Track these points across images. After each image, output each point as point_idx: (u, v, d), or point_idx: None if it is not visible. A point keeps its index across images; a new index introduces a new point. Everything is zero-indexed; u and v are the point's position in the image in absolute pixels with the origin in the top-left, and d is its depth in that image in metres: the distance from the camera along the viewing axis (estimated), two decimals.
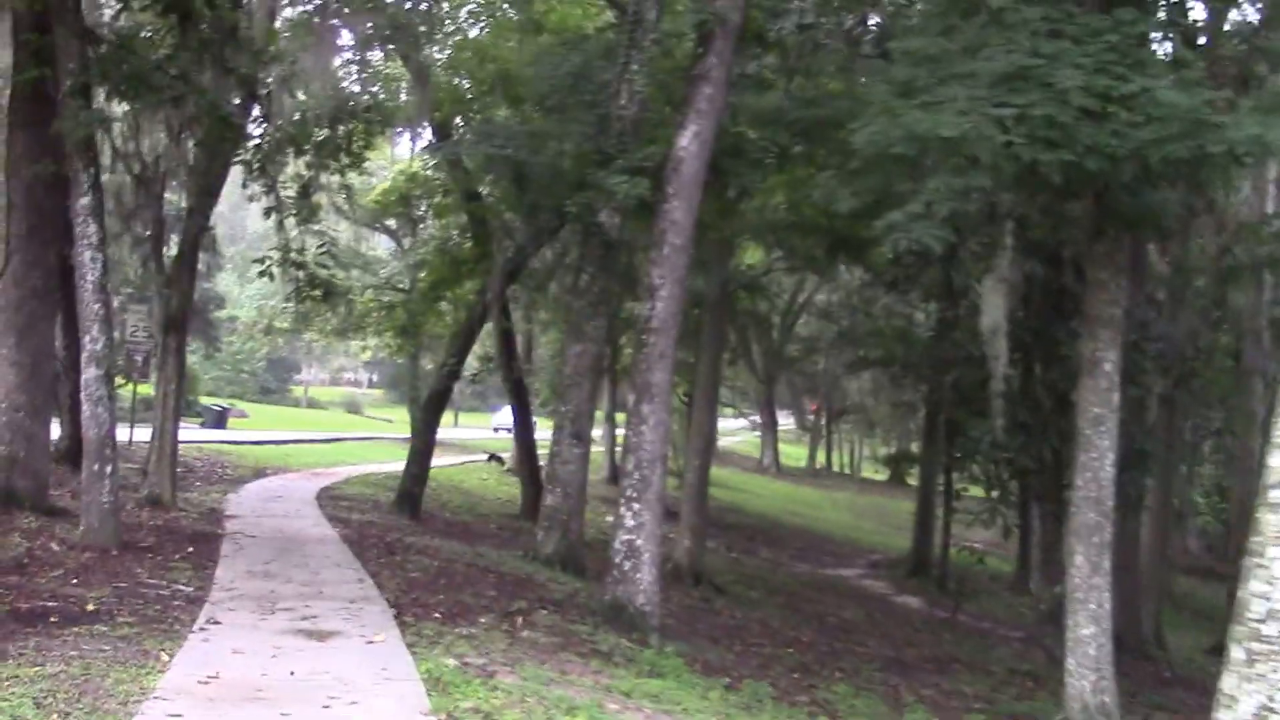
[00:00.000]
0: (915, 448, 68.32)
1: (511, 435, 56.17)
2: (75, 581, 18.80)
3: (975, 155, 17.63)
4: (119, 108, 29.06)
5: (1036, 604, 32.83)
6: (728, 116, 26.46)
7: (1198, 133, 16.65)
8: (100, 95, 25.10)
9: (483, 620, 18.79)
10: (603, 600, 22.22)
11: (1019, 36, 17.74)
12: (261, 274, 33.18)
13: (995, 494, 33.85)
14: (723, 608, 31.29)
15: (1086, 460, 20.27)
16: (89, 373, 22.47)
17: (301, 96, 33.43)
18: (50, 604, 16.77)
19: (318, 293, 33.40)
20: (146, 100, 25.10)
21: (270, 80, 29.02)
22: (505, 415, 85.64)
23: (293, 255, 31.90)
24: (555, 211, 30.44)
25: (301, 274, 32.36)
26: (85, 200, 22.50)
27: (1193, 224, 34.04)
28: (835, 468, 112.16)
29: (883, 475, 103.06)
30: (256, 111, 31.31)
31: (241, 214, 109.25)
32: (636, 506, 22.01)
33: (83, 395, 22.83)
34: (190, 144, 30.54)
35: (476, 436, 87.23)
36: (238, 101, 29.84)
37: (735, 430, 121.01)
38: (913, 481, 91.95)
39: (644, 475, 22.08)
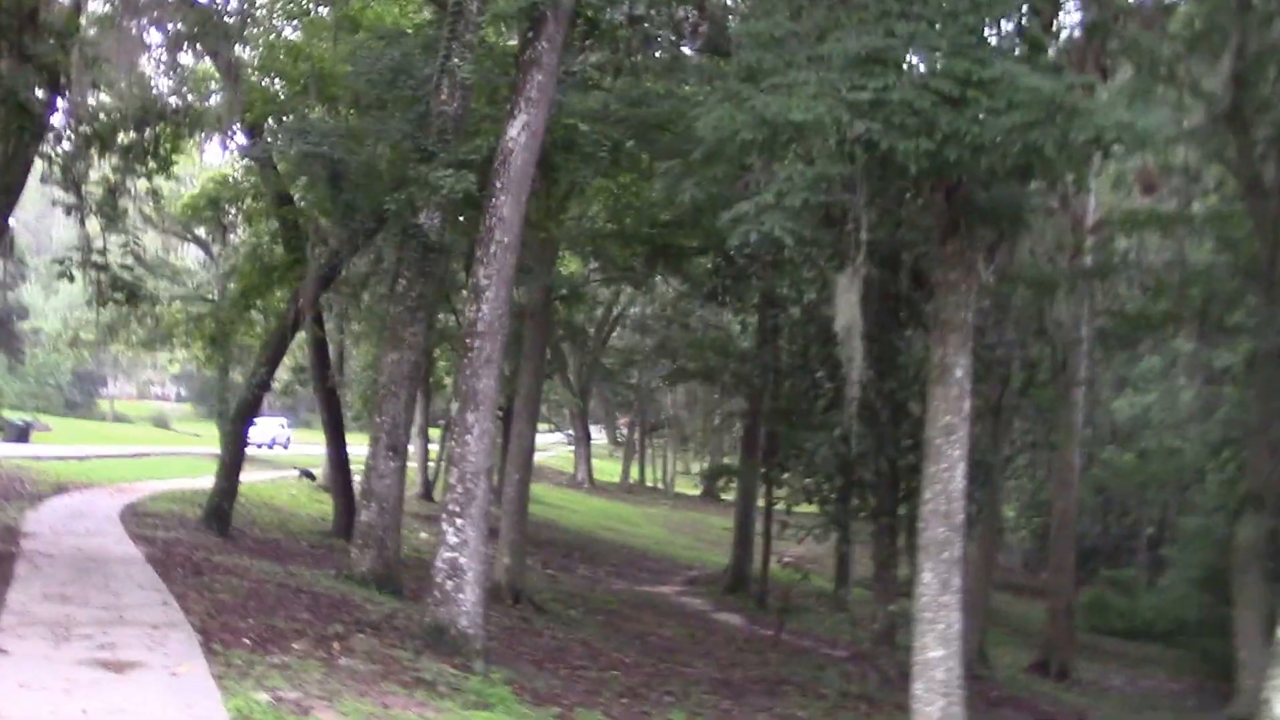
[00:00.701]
0: (731, 461, 67.91)
1: (265, 447, 54.82)
2: None
3: (828, 141, 16.71)
4: None
5: (869, 623, 31.96)
6: (556, 111, 25.35)
7: (1063, 120, 15.86)
8: None
9: (296, 646, 17.59)
10: (424, 622, 21.10)
11: (870, 18, 16.88)
12: (60, 275, 31.59)
13: (827, 508, 33.09)
14: (543, 628, 30.26)
15: (936, 472, 19.43)
16: None
17: (106, 98, 31.97)
18: None
19: (120, 296, 31.86)
20: None
21: (73, 71, 27.31)
22: (267, 428, 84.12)
23: (94, 257, 30.35)
24: (372, 213, 29.34)
25: (104, 276, 30.82)
26: None
27: (1044, 222, 33.44)
28: (649, 483, 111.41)
29: (697, 490, 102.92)
30: (60, 105, 29.58)
31: (48, 222, 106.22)
32: (460, 522, 20.84)
33: None
34: None
35: (289, 452, 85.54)
36: (39, 94, 28.18)
37: (547, 445, 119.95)
38: (728, 496, 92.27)
39: (468, 489, 20.93)
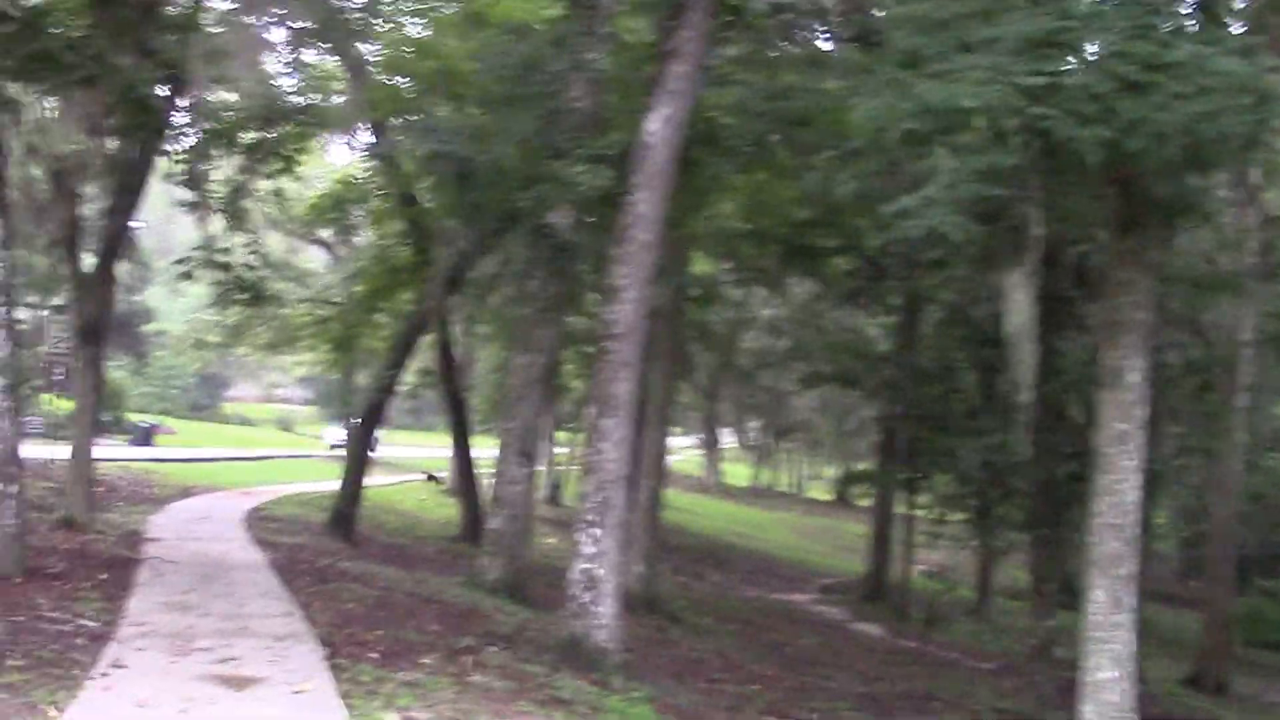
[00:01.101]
0: (868, 467, 66.69)
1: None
2: None
3: (997, 131, 15.58)
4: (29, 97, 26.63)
5: (1023, 636, 30.75)
6: (696, 104, 24.26)
7: (1258, 106, 14.66)
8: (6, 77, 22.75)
9: (426, 661, 16.70)
10: (558, 635, 20.21)
11: None
12: (183, 276, 31.01)
13: (972, 516, 31.91)
14: (679, 638, 29.29)
15: (1109, 483, 18.29)
16: None
17: (229, 96, 31.40)
18: None
19: (245, 296, 31.27)
20: (54, 82, 22.75)
21: (194, 66, 26.61)
22: (342, 431, 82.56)
23: (217, 257, 29.75)
24: (501, 212, 28.39)
25: (227, 276, 30.22)
26: None
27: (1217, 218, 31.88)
28: (779, 487, 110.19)
29: (828, 495, 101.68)
30: (181, 103, 29.01)
31: (173, 226, 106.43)
32: (597, 532, 19.89)
33: None
34: (108, 137, 28.14)
35: (412, 455, 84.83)
36: (164, 93, 27.55)
37: (674, 448, 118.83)
38: (861, 502, 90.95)
39: (605, 497, 19.97)
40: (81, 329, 28.46)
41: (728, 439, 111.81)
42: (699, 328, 55.65)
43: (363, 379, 62.14)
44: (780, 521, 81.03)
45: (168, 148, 28.57)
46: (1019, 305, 18.95)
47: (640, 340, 20.60)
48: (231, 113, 31.05)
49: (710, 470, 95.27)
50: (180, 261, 31.00)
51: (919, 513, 43.05)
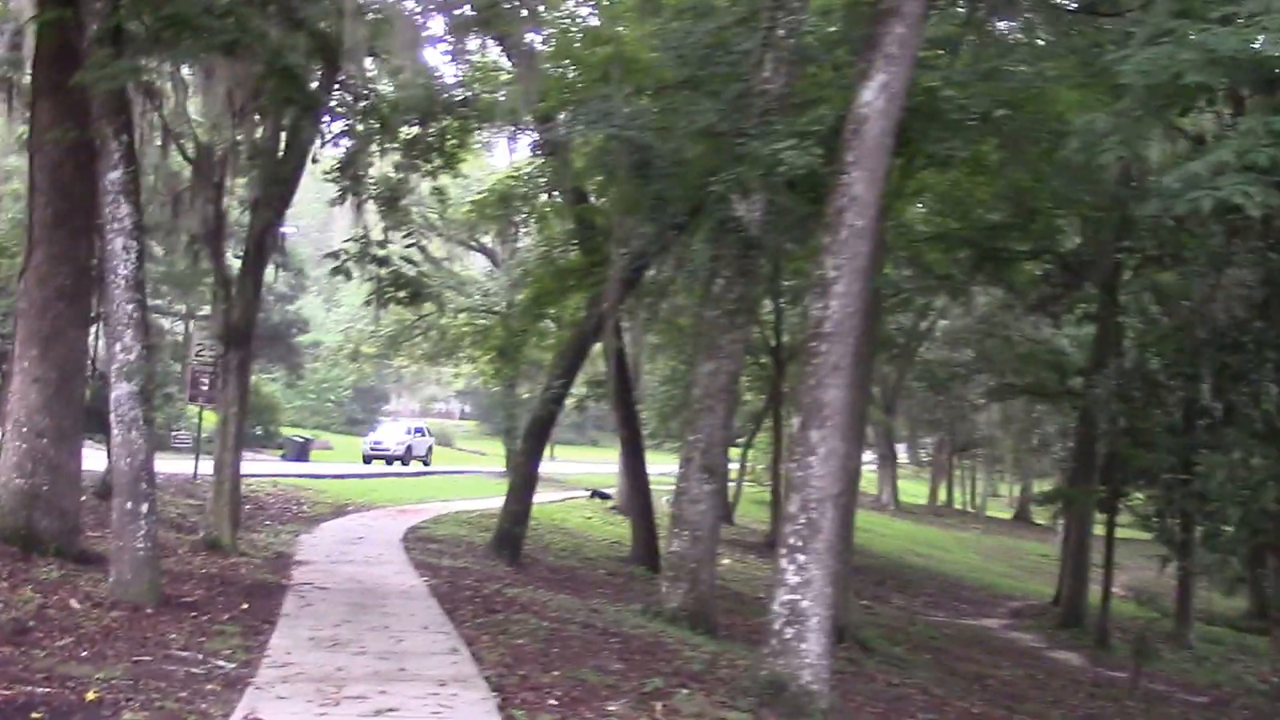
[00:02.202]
0: (1058, 484, 64.13)
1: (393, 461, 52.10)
2: (85, 653, 14.60)
3: None
4: (166, 68, 24.41)
5: (1267, 672, 27.92)
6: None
7: None
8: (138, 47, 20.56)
9: (613, 708, 14.41)
10: (758, 675, 17.64)
11: None
12: (336, 272, 28.93)
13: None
14: (874, 669, 26.81)
15: None
16: (119, 389, 18.24)
17: (387, 86, 29.39)
18: (41, 688, 12.60)
19: (404, 294, 29.17)
20: (191, 49, 20.50)
21: (350, 40, 24.32)
22: (396, 434, 79.41)
23: (374, 250, 27.63)
24: (685, 205, 26.11)
25: (385, 272, 28.10)
26: (115, 175, 18.29)
27: None
28: (957, 505, 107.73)
29: (1006, 514, 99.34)
30: (336, 85, 26.85)
31: (329, 234, 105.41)
32: (802, 559, 17.38)
33: (113, 417, 18.39)
34: (255, 117, 25.94)
35: (576, 470, 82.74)
36: (315, 70, 25.42)
37: None
38: (1042, 521, 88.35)
39: (811, 519, 17.45)
40: (225, 334, 26.37)
41: (903, 455, 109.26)
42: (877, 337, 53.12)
43: (525, 391, 60.66)
44: (960, 541, 78.57)
45: (322, 132, 26.39)
46: None
47: (853, 341, 18.08)
48: (388, 104, 28.97)
49: (886, 487, 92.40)
50: (333, 255, 28.93)
51: (1120, 533, 40.43)
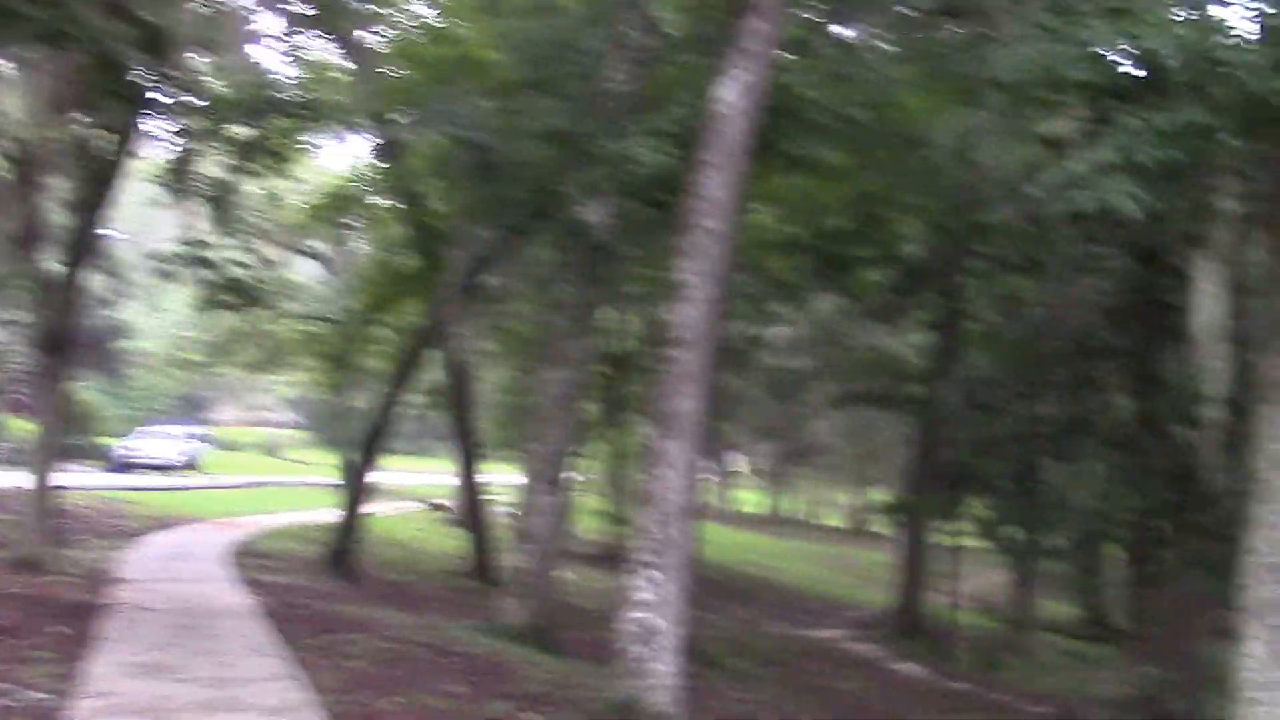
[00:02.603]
0: (885, 493, 64.41)
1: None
2: None
3: (1198, 82, 12.42)
4: None
5: (1118, 685, 27.69)
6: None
7: None
8: None
9: None
10: (607, 697, 17.03)
11: None
12: (162, 275, 27.76)
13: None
14: (722, 685, 26.09)
15: (1268, 515, 15.08)
16: None
17: (218, 83, 28.26)
18: None
19: (234, 299, 28.02)
20: (9, 38, 19.36)
21: (178, 33, 23.19)
22: (164, 444, 74.99)
23: (203, 251, 26.49)
24: (529, 208, 25.30)
25: (215, 275, 26.96)
26: None
27: None
28: (794, 514, 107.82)
29: (842, 522, 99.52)
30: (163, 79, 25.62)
31: (152, 238, 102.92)
32: (655, 575, 16.69)
33: None
34: (76, 113, 24.62)
35: (409, 482, 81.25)
36: (141, 64, 24.21)
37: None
38: (878, 529, 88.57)
39: (666, 534, 16.78)
40: (42, 341, 24.87)
41: (738, 463, 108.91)
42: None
43: (358, 400, 59.41)
44: (797, 551, 78.34)
45: (147, 129, 25.23)
46: (1210, 299, 15.76)
47: (709, 349, 17.37)
48: (219, 100, 27.87)
49: (722, 496, 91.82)
50: (159, 259, 27.70)
51: (962, 542, 40.56)
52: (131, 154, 26.04)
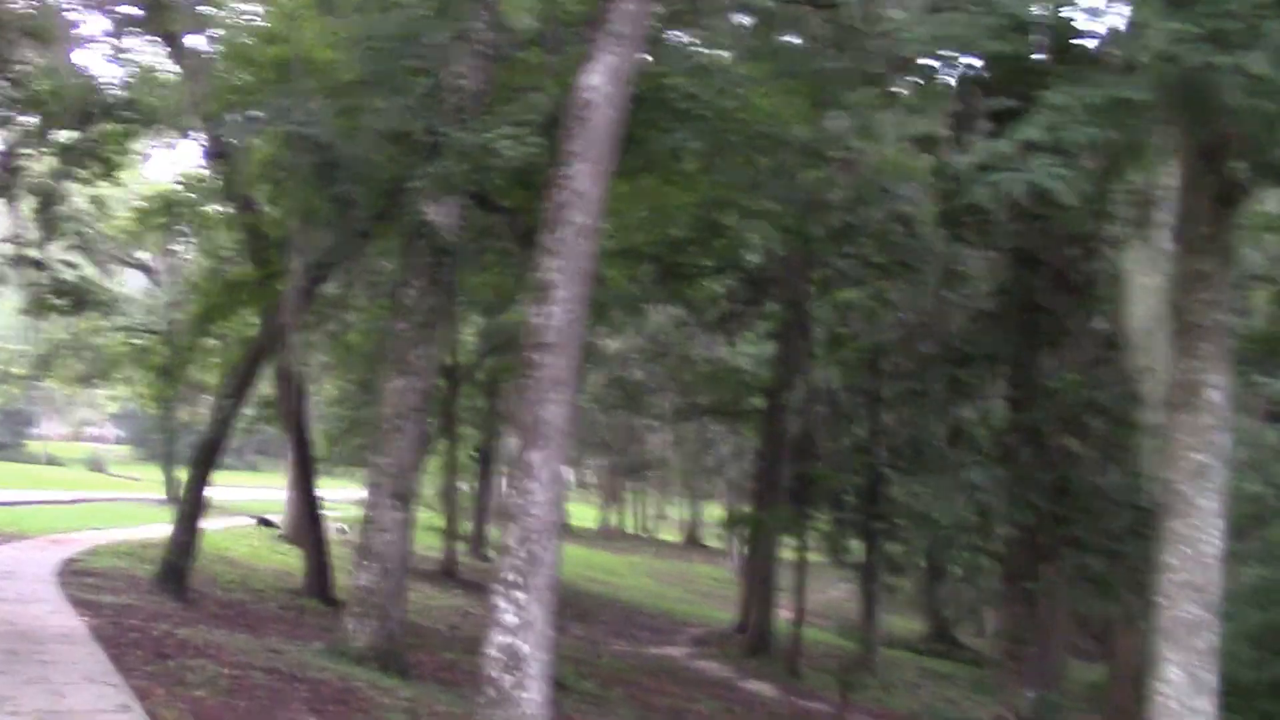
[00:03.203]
0: (718, 507, 64.00)
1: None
2: None
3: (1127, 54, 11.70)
4: None
5: (1007, 709, 26.88)
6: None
7: None
8: None
9: None
10: None
11: None
12: None
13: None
14: (573, 709, 25.11)
15: (1183, 529, 14.35)
16: None
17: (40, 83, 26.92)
18: None
19: (65, 303, 26.62)
20: None
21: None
22: None
23: (30, 252, 25.10)
24: (370, 210, 24.15)
25: (43, 277, 25.57)
26: None
27: None
28: (627, 529, 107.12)
29: (676, 537, 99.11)
30: None
31: None
32: (521, 597, 15.69)
33: None
34: None
35: (237, 497, 79.42)
36: None
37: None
38: (712, 544, 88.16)
39: (532, 552, 15.78)
40: None
41: (569, 477, 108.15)
42: None
43: (186, 414, 57.81)
44: (632, 566, 77.83)
45: None
46: (1146, 295, 15.00)
47: (576, 352, 16.40)
48: (45, 96, 26.56)
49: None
50: None
51: (805, 557, 40.14)
52: None
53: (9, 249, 25.69)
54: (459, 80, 22.47)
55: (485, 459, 55.98)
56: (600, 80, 16.29)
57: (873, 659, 42.86)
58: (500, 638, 15.67)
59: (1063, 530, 23.13)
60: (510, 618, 15.64)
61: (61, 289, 26.53)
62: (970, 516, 26.55)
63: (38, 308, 27.28)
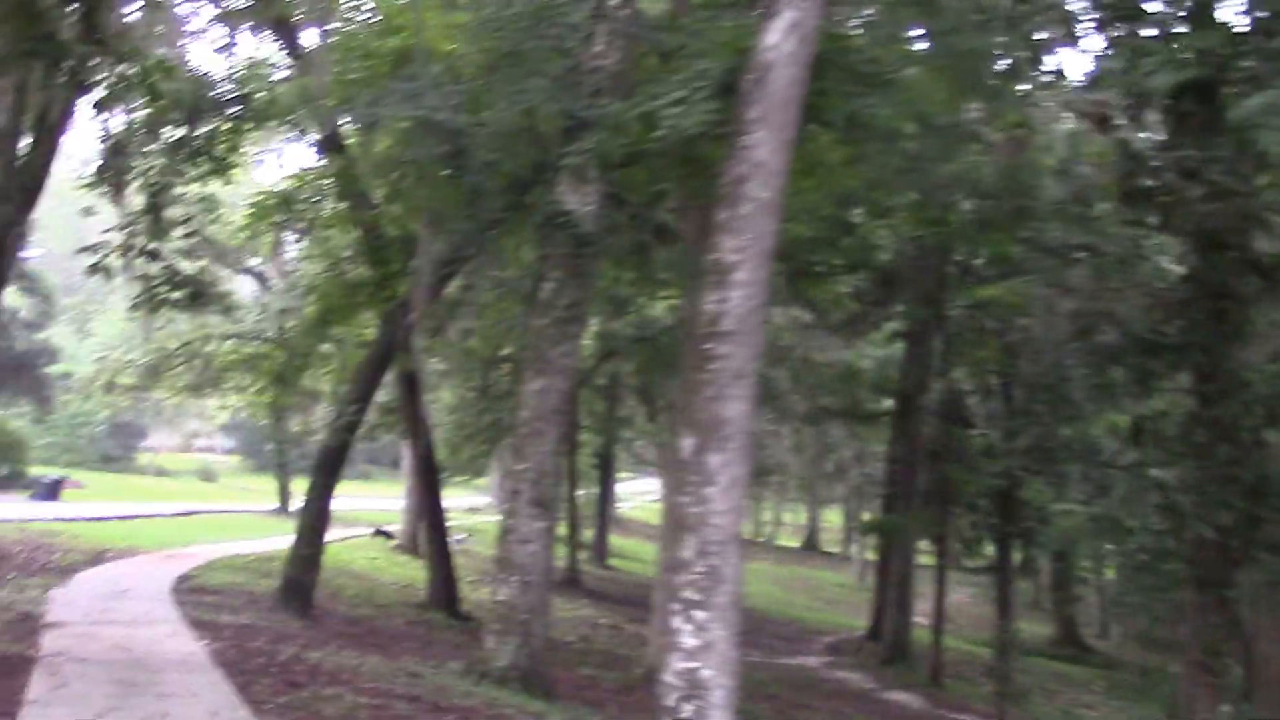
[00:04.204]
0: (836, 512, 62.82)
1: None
2: None
3: None
4: None
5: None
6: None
7: None
8: None
9: None
10: None
11: None
12: (95, 269, 24.71)
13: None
14: None
15: None
16: None
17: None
18: None
19: (181, 294, 25.06)
20: None
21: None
22: None
23: (143, 240, 23.53)
24: (503, 199, 22.61)
25: (157, 267, 24.00)
26: None
27: None
28: (745, 535, 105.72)
29: (794, 542, 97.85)
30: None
31: (80, 261, 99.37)
32: (701, 616, 14.05)
33: None
34: None
35: (351, 507, 78.19)
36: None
37: (625, 494, 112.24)
38: (832, 549, 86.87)
39: (712, 566, 14.13)
40: None
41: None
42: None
43: (297, 423, 56.87)
44: (756, 573, 76.24)
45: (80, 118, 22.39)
46: None
47: (758, 342, 14.68)
48: (154, 97, 25.12)
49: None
50: (91, 249, 24.68)
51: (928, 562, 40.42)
52: (58, 133, 22.84)
53: (118, 237, 24.00)
54: (598, 61, 21.07)
55: (606, 465, 54.49)
56: (780, 38, 14.59)
57: (1010, 666, 41.50)
58: (680, 663, 14.04)
59: (1260, 532, 21.37)
60: (690, 640, 14.02)
61: (177, 281, 24.87)
62: (1156, 519, 24.92)
63: (151, 303, 25.62)
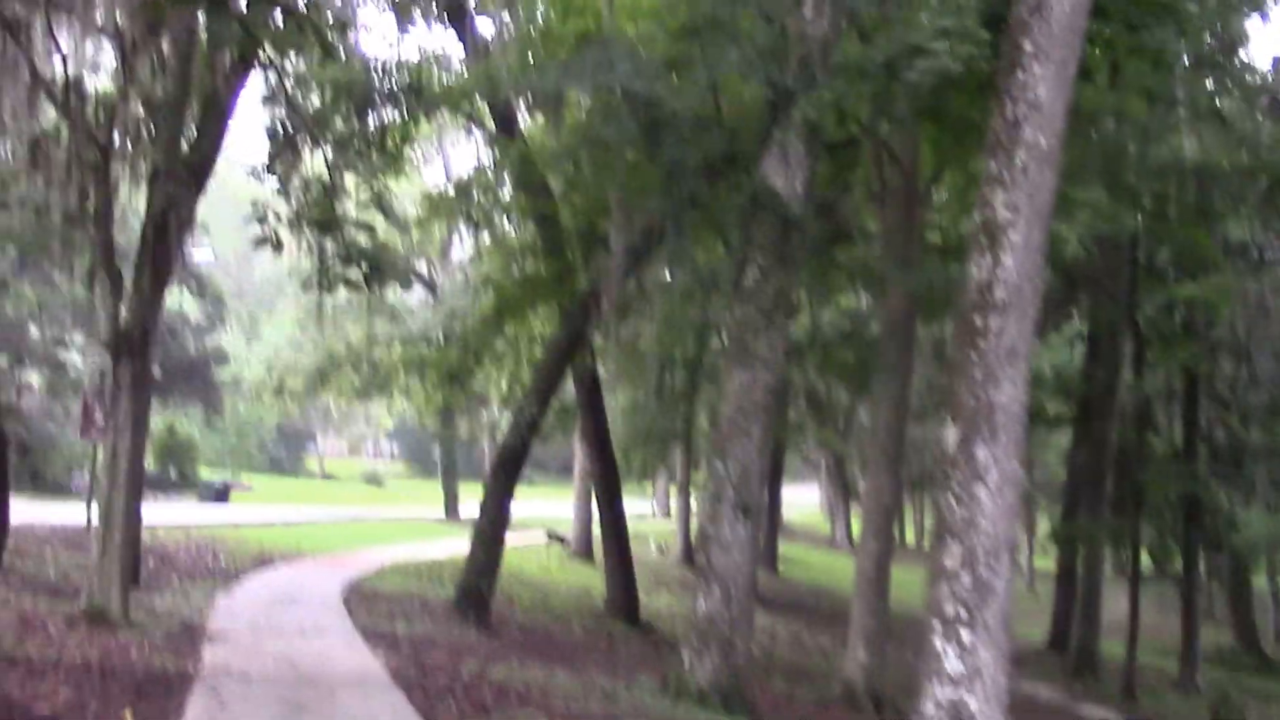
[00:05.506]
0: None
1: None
2: None
3: None
4: None
5: None
6: None
7: None
8: None
9: None
10: None
11: None
12: (261, 242, 23.09)
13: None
14: None
15: None
16: None
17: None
18: None
19: (359, 271, 23.44)
20: None
21: None
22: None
23: (319, 209, 21.91)
24: (709, 173, 20.81)
25: (333, 241, 22.35)
26: None
27: None
28: (907, 542, 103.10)
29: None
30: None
31: (248, 266, 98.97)
32: (966, 637, 12.13)
33: None
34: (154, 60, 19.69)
35: (519, 511, 76.85)
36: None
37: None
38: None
39: (980, 577, 12.13)
40: (113, 341, 19.71)
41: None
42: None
43: (464, 427, 56.19)
44: (921, 581, 73.83)
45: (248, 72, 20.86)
46: None
47: (1034, 315, 12.62)
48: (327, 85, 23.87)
49: (840, 525, 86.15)
50: (260, 220, 22.95)
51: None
52: (228, 104, 21.20)
53: (288, 211, 22.31)
54: (808, 28, 19.47)
55: (775, 467, 52.29)
56: None
57: (1193, 675, 40.82)
58: (941, 690, 12.11)
59: None
60: (954, 664, 12.16)
61: (355, 255, 23.11)
62: None
63: (326, 279, 23.81)
